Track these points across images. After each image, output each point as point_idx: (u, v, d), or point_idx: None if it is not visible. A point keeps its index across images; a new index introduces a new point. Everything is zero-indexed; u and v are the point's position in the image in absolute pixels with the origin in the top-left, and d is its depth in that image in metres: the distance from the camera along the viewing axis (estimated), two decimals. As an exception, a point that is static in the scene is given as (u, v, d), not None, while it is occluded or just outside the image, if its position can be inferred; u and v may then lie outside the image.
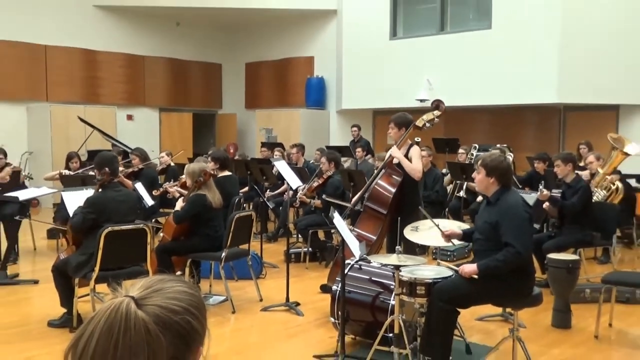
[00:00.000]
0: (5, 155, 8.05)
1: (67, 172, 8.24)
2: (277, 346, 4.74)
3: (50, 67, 12.51)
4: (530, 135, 11.45)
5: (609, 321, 5.19)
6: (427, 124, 5.49)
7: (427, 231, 4.54)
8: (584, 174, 7.22)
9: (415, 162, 5.34)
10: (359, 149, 10.14)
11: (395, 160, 5.43)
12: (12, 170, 7.79)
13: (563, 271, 5.15)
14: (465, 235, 4.28)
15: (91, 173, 7.79)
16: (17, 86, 12.10)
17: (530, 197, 6.02)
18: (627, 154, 7.48)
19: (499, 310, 5.14)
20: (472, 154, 9.63)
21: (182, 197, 6.05)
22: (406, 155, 5.38)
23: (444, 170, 9.16)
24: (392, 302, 4.12)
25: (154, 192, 7.33)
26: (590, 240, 6.38)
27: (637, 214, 8.69)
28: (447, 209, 8.56)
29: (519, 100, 10.32)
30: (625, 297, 5.74)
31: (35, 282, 6.47)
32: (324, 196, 7.27)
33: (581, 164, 8.30)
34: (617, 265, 7.18)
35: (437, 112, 5.51)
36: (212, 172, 5.87)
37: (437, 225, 4.31)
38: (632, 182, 8.95)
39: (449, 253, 7.46)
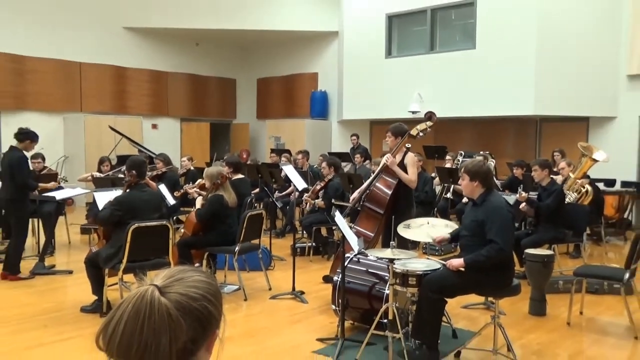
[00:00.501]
0: (44, 159, 8.09)
1: (98, 174, 8.26)
2: (284, 330, 4.74)
3: (85, 82, 12.56)
4: (509, 144, 11.44)
5: (580, 310, 5.17)
6: (421, 133, 5.48)
7: (418, 229, 4.53)
8: (558, 179, 7.21)
9: (411, 172, 5.33)
10: (357, 155, 10.14)
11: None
12: (49, 172, 7.83)
13: (539, 265, 5.14)
14: (452, 238, 4.29)
15: (120, 175, 7.81)
16: (55, 98, 12.16)
17: (510, 199, 6.03)
18: (595, 160, 7.51)
19: (482, 299, 5.12)
20: (459, 160, 9.62)
21: (201, 197, 6.05)
22: (402, 161, 5.38)
23: (433, 174, 9.15)
24: (387, 291, 4.12)
25: (175, 194, 7.34)
26: (563, 237, 6.39)
27: (605, 214, 8.69)
28: (435, 209, 8.54)
29: (500, 112, 10.31)
30: (594, 288, 5.73)
31: (70, 272, 6.48)
32: (332, 200, 7.26)
33: (555, 170, 8.29)
34: (587, 260, 7.17)
35: (429, 123, 5.50)
36: (227, 175, 5.89)
37: (430, 238, 4.34)
38: (601, 185, 8.94)
39: (437, 248, 7.45)
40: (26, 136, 6.09)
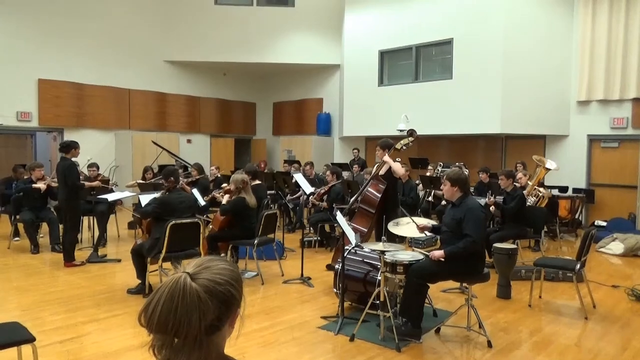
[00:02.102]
0: (98, 168, 8.12)
1: (141, 181, 8.27)
2: (294, 309, 4.71)
3: (132, 105, 12.61)
4: (480, 156, 11.40)
5: (539, 294, 5.14)
6: (404, 147, 5.51)
7: (405, 226, 4.51)
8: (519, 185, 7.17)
9: (398, 168, 5.40)
10: (355, 166, 10.11)
11: (382, 171, 5.45)
12: (102, 179, 7.84)
13: (505, 256, 5.10)
14: (434, 229, 4.26)
15: (160, 182, 7.81)
16: (109, 118, 12.21)
17: (481, 202, 5.98)
18: (548, 169, 7.54)
19: (458, 284, 5.09)
20: (438, 170, 9.59)
21: (228, 196, 6.01)
22: (389, 167, 5.43)
23: (417, 181, 9.11)
24: (379, 277, 4.09)
25: (205, 198, 7.32)
26: (525, 234, 6.35)
27: (559, 215, 8.64)
28: (419, 210, 8.50)
29: (472, 130, 10.28)
30: (551, 276, 5.68)
31: (119, 260, 6.48)
32: (333, 204, 7.22)
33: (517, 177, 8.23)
34: (545, 253, 7.12)
35: (411, 138, 5.53)
36: (248, 181, 5.88)
37: (414, 222, 4.30)
38: (555, 191, 8.92)
39: (420, 242, 7.40)
40: (69, 146, 6.06)
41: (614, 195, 9.59)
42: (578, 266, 4.65)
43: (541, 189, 7.55)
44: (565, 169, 9.79)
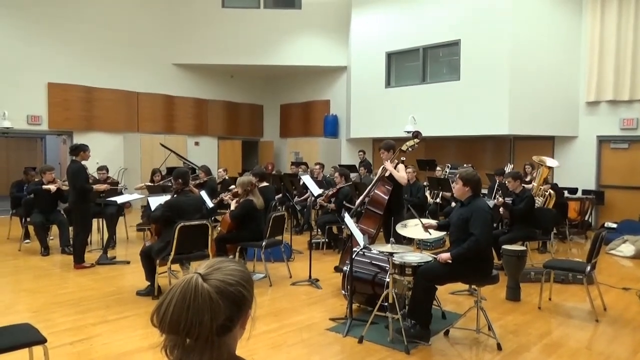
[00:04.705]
0: (107, 170, 8.17)
1: (150, 184, 8.32)
2: (302, 311, 4.71)
3: (141, 108, 12.70)
4: (488, 158, 11.33)
5: (549, 296, 5.10)
6: (409, 149, 5.53)
7: (412, 227, 4.50)
8: (528, 187, 7.15)
9: (402, 173, 5.40)
10: (362, 168, 10.10)
11: (387, 174, 5.46)
12: (111, 182, 7.89)
13: (514, 258, 5.07)
14: (440, 227, 4.25)
15: (169, 184, 7.85)
16: (117, 121, 12.31)
17: (490, 203, 5.97)
18: (550, 167, 7.53)
19: (467, 286, 5.06)
20: (446, 172, 9.56)
21: (235, 201, 6.04)
22: (394, 168, 5.44)
23: (425, 183, 9.09)
24: (387, 279, 4.08)
25: (213, 201, 7.35)
26: (534, 236, 6.31)
27: (569, 217, 8.58)
28: (427, 211, 8.48)
29: (480, 131, 10.23)
30: (560, 278, 5.64)
31: (128, 262, 6.52)
32: (343, 202, 7.23)
33: (527, 179, 8.23)
34: (554, 255, 7.08)
35: (416, 140, 5.55)
36: (256, 183, 5.89)
37: (421, 221, 4.30)
38: (565, 193, 8.84)
39: (428, 244, 7.38)
40: (77, 149, 6.08)
41: (624, 196, 9.50)
42: (588, 268, 4.61)
43: (546, 187, 7.51)
44: (575, 170, 9.73)
